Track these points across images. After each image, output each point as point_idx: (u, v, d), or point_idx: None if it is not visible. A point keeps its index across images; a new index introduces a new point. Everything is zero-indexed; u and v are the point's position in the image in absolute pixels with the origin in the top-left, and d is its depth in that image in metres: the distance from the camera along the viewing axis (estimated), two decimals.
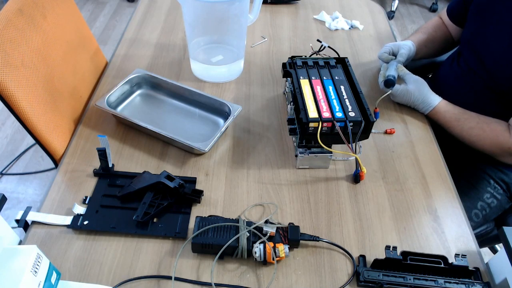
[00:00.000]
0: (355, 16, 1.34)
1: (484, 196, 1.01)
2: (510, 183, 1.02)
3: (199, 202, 0.78)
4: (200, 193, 0.78)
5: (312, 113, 0.78)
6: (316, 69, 0.89)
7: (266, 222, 0.72)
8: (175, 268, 0.69)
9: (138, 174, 0.80)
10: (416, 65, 1.23)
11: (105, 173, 0.82)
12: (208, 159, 0.87)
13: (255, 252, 0.68)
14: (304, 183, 0.83)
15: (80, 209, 0.75)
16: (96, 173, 0.82)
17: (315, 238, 0.72)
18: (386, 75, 0.97)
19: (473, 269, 0.69)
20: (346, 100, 0.81)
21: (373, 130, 0.93)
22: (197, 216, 0.72)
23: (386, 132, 0.95)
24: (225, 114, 0.94)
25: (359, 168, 0.82)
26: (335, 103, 0.80)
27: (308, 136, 0.79)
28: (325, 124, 0.77)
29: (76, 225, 0.73)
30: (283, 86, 1.06)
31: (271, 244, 0.68)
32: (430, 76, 1.27)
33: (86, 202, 0.77)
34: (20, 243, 0.70)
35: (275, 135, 0.93)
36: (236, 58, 1.06)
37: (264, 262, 0.69)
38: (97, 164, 0.84)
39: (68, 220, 0.74)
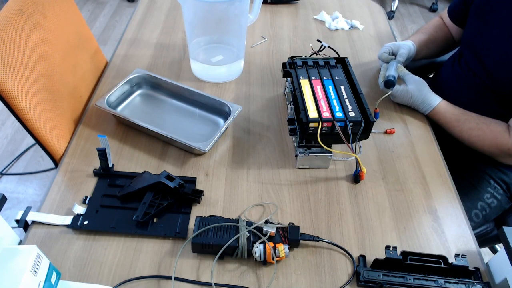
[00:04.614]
0: (355, 16, 1.34)
1: (484, 196, 1.01)
2: (510, 183, 1.02)
3: (199, 202, 0.78)
4: (200, 193, 0.78)
5: (312, 113, 0.78)
6: (316, 69, 0.89)
7: (266, 222, 0.72)
8: (175, 268, 0.69)
9: (138, 174, 0.80)
10: (416, 65, 1.23)
11: (105, 173, 0.82)
12: (208, 159, 0.87)
13: (255, 252, 0.68)
14: (304, 183, 0.83)
15: (80, 209, 0.75)
16: (96, 173, 0.82)
17: (315, 238, 0.72)
18: (386, 76, 0.97)
19: (473, 269, 0.69)
20: (346, 100, 0.81)
21: (373, 130, 0.93)
22: (197, 216, 0.72)
23: (386, 132, 0.95)
24: (225, 114, 0.94)
25: (359, 168, 0.82)
26: (335, 103, 0.80)
27: (308, 136, 0.79)
28: (325, 124, 0.77)
29: (76, 225, 0.73)
30: (283, 86, 1.06)
31: (271, 244, 0.68)
32: (431, 76, 1.28)
33: (86, 202, 0.77)
34: (20, 243, 0.70)
35: (275, 135, 0.93)
36: (236, 58, 1.06)
37: (264, 262, 0.69)
38: (97, 164, 0.84)
39: (68, 220, 0.74)
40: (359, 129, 0.77)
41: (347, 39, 1.25)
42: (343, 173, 0.86)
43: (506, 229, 0.66)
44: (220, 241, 0.68)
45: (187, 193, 0.77)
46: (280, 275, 0.69)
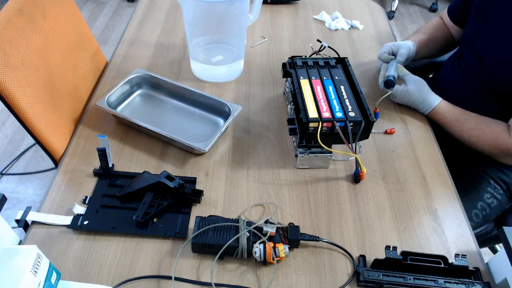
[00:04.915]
0: (355, 16, 1.34)
1: (484, 196, 1.01)
2: (510, 183, 1.02)
3: (199, 202, 0.78)
4: (200, 193, 0.78)
5: (312, 113, 0.78)
6: (316, 69, 0.89)
7: (266, 222, 0.72)
8: (175, 268, 0.69)
9: (138, 174, 0.80)
10: (416, 65, 1.23)
11: (105, 173, 0.82)
12: (208, 159, 0.87)
13: (255, 252, 0.68)
14: (304, 183, 0.83)
15: (80, 209, 0.75)
16: (96, 173, 0.82)
17: (315, 238, 0.72)
18: (386, 76, 0.97)
19: (473, 269, 0.69)
20: (346, 100, 0.81)
21: (373, 130, 0.93)
22: (197, 216, 0.72)
23: (386, 132, 0.95)
24: (225, 114, 0.94)
25: (359, 168, 0.82)
26: (335, 103, 0.80)
27: (308, 136, 0.79)
28: (325, 124, 0.77)
29: (76, 225, 0.73)
30: (283, 86, 1.06)
31: (271, 244, 0.68)
32: (430, 76, 1.28)
33: (86, 202, 0.77)
34: (20, 243, 0.70)
35: (275, 135, 0.93)
36: (236, 58, 1.06)
37: (264, 262, 0.69)
38: (97, 164, 0.84)
39: (68, 220, 0.74)
40: (359, 129, 0.77)
41: (347, 39, 1.25)
42: (343, 173, 0.86)
43: (506, 229, 0.66)
44: (220, 241, 0.68)
45: (187, 193, 0.77)
46: (280, 275, 0.69)
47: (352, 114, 0.78)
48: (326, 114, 0.77)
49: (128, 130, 0.92)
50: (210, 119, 0.95)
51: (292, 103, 0.88)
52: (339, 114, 0.77)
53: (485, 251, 1.48)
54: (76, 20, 1.07)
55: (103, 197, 0.78)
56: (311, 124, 0.76)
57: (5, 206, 0.69)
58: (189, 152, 0.88)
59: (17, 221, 0.73)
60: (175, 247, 0.72)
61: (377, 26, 1.31)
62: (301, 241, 0.71)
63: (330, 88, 0.84)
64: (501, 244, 0.96)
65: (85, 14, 2.80)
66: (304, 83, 0.85)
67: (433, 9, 3.01)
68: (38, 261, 0.58)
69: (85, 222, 0.73)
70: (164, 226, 0.74)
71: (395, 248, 0.68)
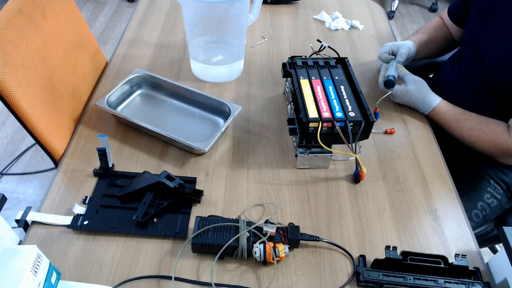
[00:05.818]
0: (355, 16, 1.34)
1: (484, 196, 1.01)
2: (510, 183, 1.02)
3: (199, 202, 0.78)
4: (200, 193, 0.78)
5: (312, 113, 0.78)
6: (316, 69, 0.89)
7: (266, 222, 0.72)
8: (175, 268, 0.69)
9: (138, 174, 0.80)
10: (416, 65, 1.23)
11: (105, 173, 0.82)
12: (208, 159, 0.87)
13: (255, 252, 0.68)
14: (304, 183, 0.83)
15: (80, 209, 0.75)
16: (96, 173, 0.82)
17: (315, 238, 0.72)
18: (386, 76, 0.97)
19: (473, 269, 0.69)
20: (346, 100, 0.81)
21: (373, 130, 0.93)
22: (197, 216, 0.72)
23: (386, 132, 0.95)
24: (225, 114, 0.94)
25: (359, 168, 0.82)
26: (335, 103, 0.80)
27: (308, 136, 0.79)
28: (325, 124, 0.77)
29: (76, 225, 0.73)
30: (283, 86, 1.06)
31: (271, 244, 0.68)
32: (430, 76, 1.28)
33: (86, 202, 0.77)
34: (20, 243, 0.70)
35: (275, 135, 0.93)
36: (236, 58, 1.06)
37: (264, 262, 0.69)
38: (97, 164, 0.84)
39: (68, 220, 0.74)
40: (359, 129, 0.77)
41: (347, 39, 1.25)
42: (343, 173, 0.86)
43: (506, 229, 0.66)
44: (220, 241, 0.68)
45: (187, 193, 0.77)
46: (280, 275, 0.69)
47: (352, 114, 0.78)
48: (326, 114, 0.77)
49: (128, 130, 0.92)
50: (210, 119, 0.95)
51: (292, 103, 0.89)
52: (339, 114, 0.77)
53: (485, 251, 1.48)
54: (76, 20, 1.07)
55: (103, 197, 0.78)
56: (311, 124, 0.76)
57: (5, 206, 0.69)
58: (189, 152, 0.88)
59: (17, 221, 0.73)
60: (175, 247, 0.72)
61: (377, 26, 1.31)
62: (301, 241, 0.71)
63: (330, 88, 0.84)
64: (501, 244, 0.96)
65: (85, 14, 2.80)
66: (304, 83, 0.85)
67: (433, 9, 3.01)
68: (38, 261, 0.58)
69: (85, 222, 0.73)
70: (164, 226, 0.74)
71: (395, 248, 0.68)
